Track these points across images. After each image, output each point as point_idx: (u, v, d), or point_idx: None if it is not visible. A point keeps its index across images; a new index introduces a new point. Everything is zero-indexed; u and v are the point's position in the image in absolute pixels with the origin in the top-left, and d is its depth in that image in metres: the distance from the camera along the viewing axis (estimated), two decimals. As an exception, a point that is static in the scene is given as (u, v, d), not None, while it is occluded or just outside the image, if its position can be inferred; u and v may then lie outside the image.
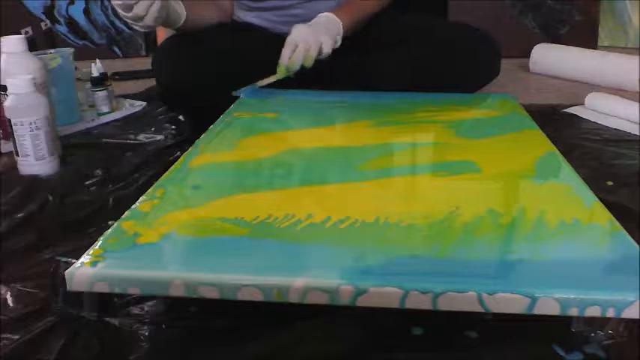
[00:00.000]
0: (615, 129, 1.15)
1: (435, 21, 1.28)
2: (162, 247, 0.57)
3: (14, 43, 0.99)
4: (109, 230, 0.60)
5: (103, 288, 0.53)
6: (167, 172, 0.74)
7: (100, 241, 0.57)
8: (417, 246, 0.56)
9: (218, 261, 0.55)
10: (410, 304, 0.50)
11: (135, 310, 0.60)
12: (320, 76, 1.14)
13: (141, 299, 0.61)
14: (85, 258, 0.54)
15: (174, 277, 0.52)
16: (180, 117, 1.22)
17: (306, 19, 1.12)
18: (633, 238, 0.57)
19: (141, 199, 0.66)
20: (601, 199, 0.66)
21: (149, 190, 0.69)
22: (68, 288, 0.53)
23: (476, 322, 0.56)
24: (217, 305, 0.60)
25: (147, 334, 0.56)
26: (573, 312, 0.49)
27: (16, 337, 0.56)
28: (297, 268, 0.53)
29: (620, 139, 1.10)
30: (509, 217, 0.61)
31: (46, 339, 0.56)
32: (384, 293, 0.50)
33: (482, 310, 0.49)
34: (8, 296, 0.63)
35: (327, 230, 0.59)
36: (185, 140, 1.07)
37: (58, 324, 0.57)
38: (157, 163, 0.98)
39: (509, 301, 0.49)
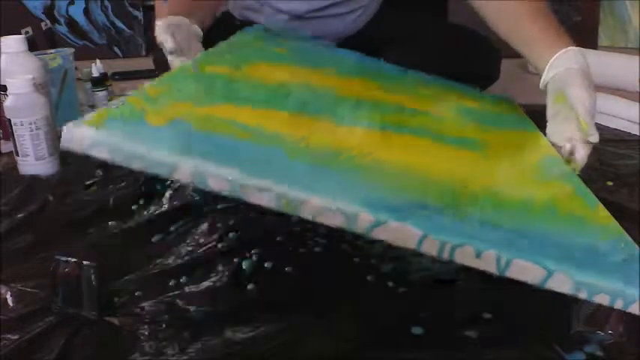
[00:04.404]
0: (615, 129, 1.15)
1: (434, 23, 1.28)
2: (173, 131, 0.53)
3: (14, 43, 0.99)
4: (114, 101, 0.56)
5: (102, 153, 0.48)
6: (171, 71, 0.70)
7: (104, 109, 0.53)
8: (445, 200, 0.54)
9: (233, 158, 0.51)
10: (426, 249, 0.48)
11: (135, 310, 0.60)
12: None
13: (141, 299, 0.61)
14: (87, 117, 0.50)
15: (184, 162, 0.48)
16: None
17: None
18: (633, 238, 0.57)
19: (147, 84, 0.62)
20: (601, 199, 0.66)
21: (155, 81, 0.64)
22: (63, 145, 0.49)
23: (476, 322, 0.56)
24: (217, 305, 0.60)
25: (147, 334, 0.56)
26: (582, 294, 0.48)
27: (16, 337, 0.56)
28: (317, 185, 0.50)
29: (620, 139, 1.10)
30: (522, 200, 0.60)
31: (46, 339, 0.56)
32: (403, 230, 0.48)
33: (496, 273, 0.49)
34: (8, 296, 0.63)
35: (344, 161, 0.57)
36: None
37: (58, 324, 0.57)
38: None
39: (525, 269, 0.48)
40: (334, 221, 0.49)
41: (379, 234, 0.49)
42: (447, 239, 0.48)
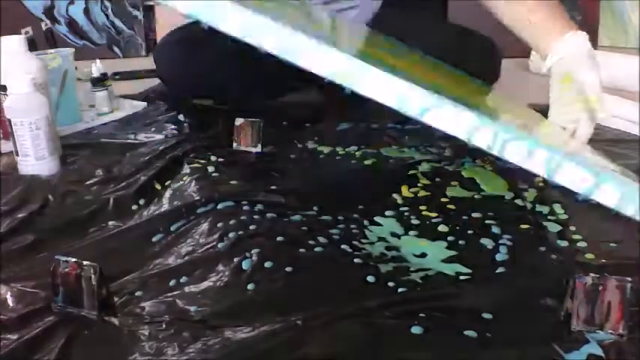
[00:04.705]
0: (615, 129, 1.15)
1: (433, 24, 1.28)
2: None
3: (14, 43, 0.99)
4: None
5: None
6: None
7: None
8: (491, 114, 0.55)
9: (285, 22, 0.50)
10: (476, 141, 0.48)
11: (135, 310, 0.60)
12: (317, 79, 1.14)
13: (141, 299, 0.61)
14: None
15: (235, 11, 0.47)
16: (180, 117, 1.22)
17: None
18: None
19: None
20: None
21: None
22: None
23: (476, 322, 0.56)
24: (217, 305, 0.60)
25: (147, 334, 0.56)
26: (629, 209, 0.48)
27: (16, 337, 0.56)
28: (373, 64, 0.49)
29: (620, 139, 1.10)
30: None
31: (46, 339, 0.56)
32: (457, 117, 0.48)
33: (544, 176, 0.48)
34: (8, 296, 0.63)
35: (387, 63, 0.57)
36: (185, 140, 1.07)
37: (58, 324, 0.57)
38: (156, 163, 0.98)
39: (574, 175, 0.48)
40: (387, 98, 0.48)
41: (431, 119, 0.48)
42: (501, 132, 0.48)
